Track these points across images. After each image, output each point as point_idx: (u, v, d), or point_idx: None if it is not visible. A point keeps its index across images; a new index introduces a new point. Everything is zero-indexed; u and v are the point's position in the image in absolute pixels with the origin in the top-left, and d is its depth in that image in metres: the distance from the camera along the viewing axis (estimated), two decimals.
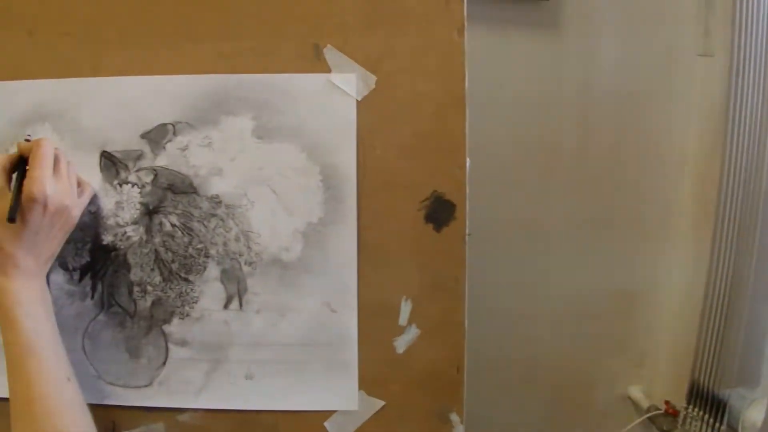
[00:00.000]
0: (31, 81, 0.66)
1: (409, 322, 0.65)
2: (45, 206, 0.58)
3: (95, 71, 0.65)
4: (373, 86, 0.63)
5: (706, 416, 1.06)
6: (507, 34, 0.82)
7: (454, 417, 0.66)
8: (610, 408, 0.98)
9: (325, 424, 0.66)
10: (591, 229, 0.87)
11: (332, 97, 0.63)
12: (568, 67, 0.84)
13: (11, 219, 0.57)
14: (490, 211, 0.66)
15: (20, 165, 0.61)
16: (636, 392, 1.14)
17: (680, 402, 1.10)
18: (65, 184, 0.61)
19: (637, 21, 0.85)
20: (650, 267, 0.93)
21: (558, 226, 0.87)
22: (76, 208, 0.62)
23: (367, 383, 0.65)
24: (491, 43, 0.71)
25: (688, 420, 1.09)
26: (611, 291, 0.91)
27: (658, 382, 1.11)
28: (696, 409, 1.08)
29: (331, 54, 0.64)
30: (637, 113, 0.89)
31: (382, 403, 0.66)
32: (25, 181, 0.58)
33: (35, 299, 0.60)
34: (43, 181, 0.58)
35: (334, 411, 0.65)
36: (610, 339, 0.95)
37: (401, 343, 0.65)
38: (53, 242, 0.62)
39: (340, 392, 0.65)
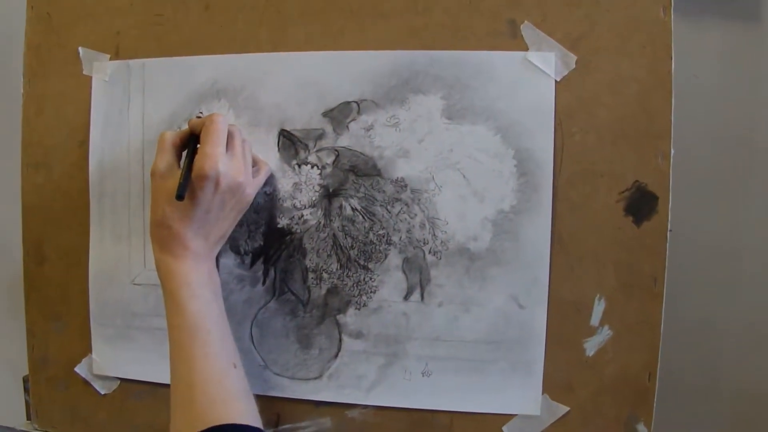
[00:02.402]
0: (207, 56, 0.63)
1: (602, 323, 0.60)
2: (217, 184, 0.55)
3: (275, 46, 0.62)
4: (573, 66, 0.59)
5: None
6: (703, 25, 0.76)
7: (642, 428, 0.61)
8: None
9: (504, 428, 0.61)
10: None
11: (529, 76, 0.59)
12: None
13: (180, 197, 0.54)
14: (683, 207, 0.61)
15: (191, 142, 0.59)
16: None
17: None
18: (239, 162, 0.57)
19: None
20: None
21: (754, 228, 0.80)
22: (251, 188, 0.59)
23: (552, 387, 0.61)
24: (686, 34, 0.66)
25: None
26: None
27: None
28: None
29: (528, 31, 0.59)
30: None
31: (567, 408, 0.61)
32: (196, 158, 0.56)
33: (203, 282, 0.58)
34: (214, 157, 0.55)
35: (514, 415, 0.61)
36: None
37: (591, 345, 0.60)
38: (224, 223, 0.59)
39: (522, 395, 0.60)
